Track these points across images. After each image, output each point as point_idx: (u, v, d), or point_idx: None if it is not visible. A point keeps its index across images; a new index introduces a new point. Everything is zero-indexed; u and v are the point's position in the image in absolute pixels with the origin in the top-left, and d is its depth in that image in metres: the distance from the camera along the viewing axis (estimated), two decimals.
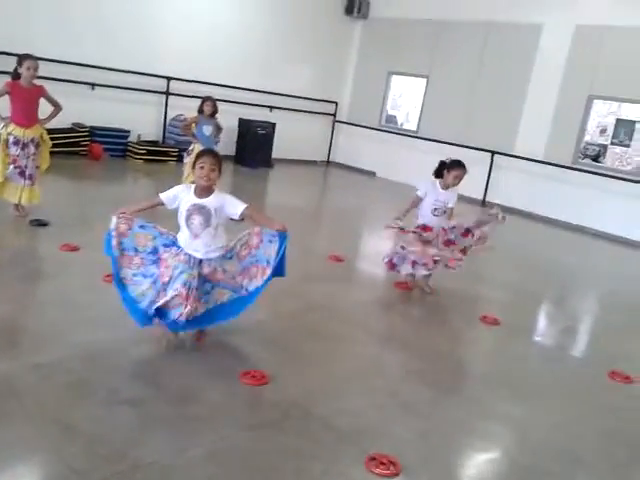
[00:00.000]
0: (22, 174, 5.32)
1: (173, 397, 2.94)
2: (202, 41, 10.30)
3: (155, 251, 3.27)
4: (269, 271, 3.26)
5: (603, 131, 10.17)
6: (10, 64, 5.49)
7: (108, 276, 4.24)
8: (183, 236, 3.28)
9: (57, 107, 5.56)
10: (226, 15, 10.60)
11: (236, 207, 3.28)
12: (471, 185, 10.29)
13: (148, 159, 9.58)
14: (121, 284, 3.26)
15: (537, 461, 2.89)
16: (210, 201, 3.24)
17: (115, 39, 9.27)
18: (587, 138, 9.99)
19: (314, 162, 12.69)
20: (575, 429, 3.27)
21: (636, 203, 8.90)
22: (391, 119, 12.81)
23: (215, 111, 7.10)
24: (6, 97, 5.23)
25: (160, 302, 3.19)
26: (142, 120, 9.98)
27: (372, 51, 12.40)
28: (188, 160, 7.07)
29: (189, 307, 3.18)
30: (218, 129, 7.18)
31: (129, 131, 9.75)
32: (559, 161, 9.65)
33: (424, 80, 11.65)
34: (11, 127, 5.25)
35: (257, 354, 3.56)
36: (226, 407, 2.92)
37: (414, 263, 4.90)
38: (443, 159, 5.05)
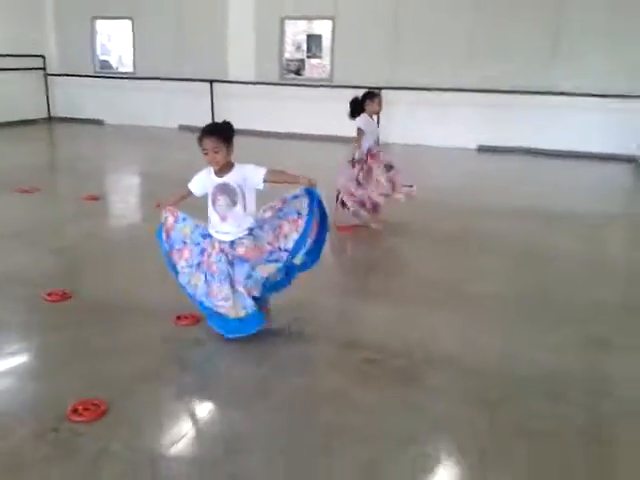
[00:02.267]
0: None
1: None
2: None
3: (198, 243, 3.12)
4: (302, 222, 3.03)
5: (299, 47, 11.61)
6: None
7: None
8: (212, 221, 3.09)
9: None
10: None
11: (256, 175, 3.00)
12: (198, 115, 11.09)
13: None
14: (176, 271, 3.18)
15: None
16: (231, 177, 3.01)
17: None
18: (287, 55, 11.35)
19: (34, 120, 12.21)
20: None
21: (329, 104, 10.22)
22: (105, 64, 12.79)
23: None
24: None
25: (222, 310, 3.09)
26: None
27: None
28: None
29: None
30: None
31: None
32: (268, 79, 10.88)
33: (129, 22, 11.84)
34: None
35: None
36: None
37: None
38: (353, 98, 5.06)
